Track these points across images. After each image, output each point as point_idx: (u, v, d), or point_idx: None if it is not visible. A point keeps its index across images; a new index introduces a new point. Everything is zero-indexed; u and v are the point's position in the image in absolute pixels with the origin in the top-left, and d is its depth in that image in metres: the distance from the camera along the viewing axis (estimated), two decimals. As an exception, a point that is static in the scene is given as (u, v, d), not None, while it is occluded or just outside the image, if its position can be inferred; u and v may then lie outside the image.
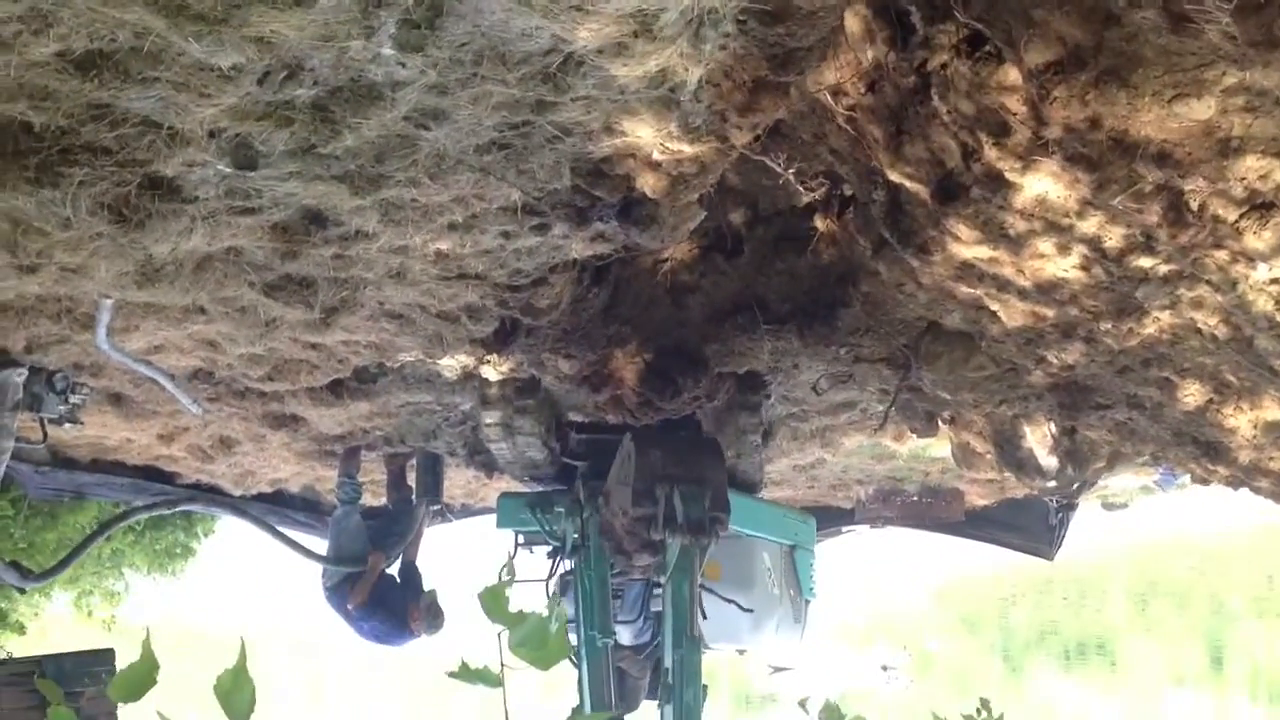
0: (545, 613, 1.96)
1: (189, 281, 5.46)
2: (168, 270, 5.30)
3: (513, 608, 1.95)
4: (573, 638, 7.75)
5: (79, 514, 13.18)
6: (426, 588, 10.11)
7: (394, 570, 10.18)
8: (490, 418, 8.22)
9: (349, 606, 9.77)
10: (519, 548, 9.24)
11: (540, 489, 9.04)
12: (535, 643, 1.94)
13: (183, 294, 5.64)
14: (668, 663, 6.61)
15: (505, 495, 9.23)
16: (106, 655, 9.63)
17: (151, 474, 10.75)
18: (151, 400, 8.07)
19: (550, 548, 8.99)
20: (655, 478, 6.53)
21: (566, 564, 8.90)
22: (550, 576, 8.94)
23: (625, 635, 8.62)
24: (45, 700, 8.58)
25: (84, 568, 15.08)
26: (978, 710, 3.56)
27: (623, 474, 6.80)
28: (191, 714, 2.60)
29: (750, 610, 8.51)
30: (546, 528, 8.59)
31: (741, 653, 11.02)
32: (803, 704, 3.65)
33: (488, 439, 8.54)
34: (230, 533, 16.94)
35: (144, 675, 1.86)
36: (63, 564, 10.23)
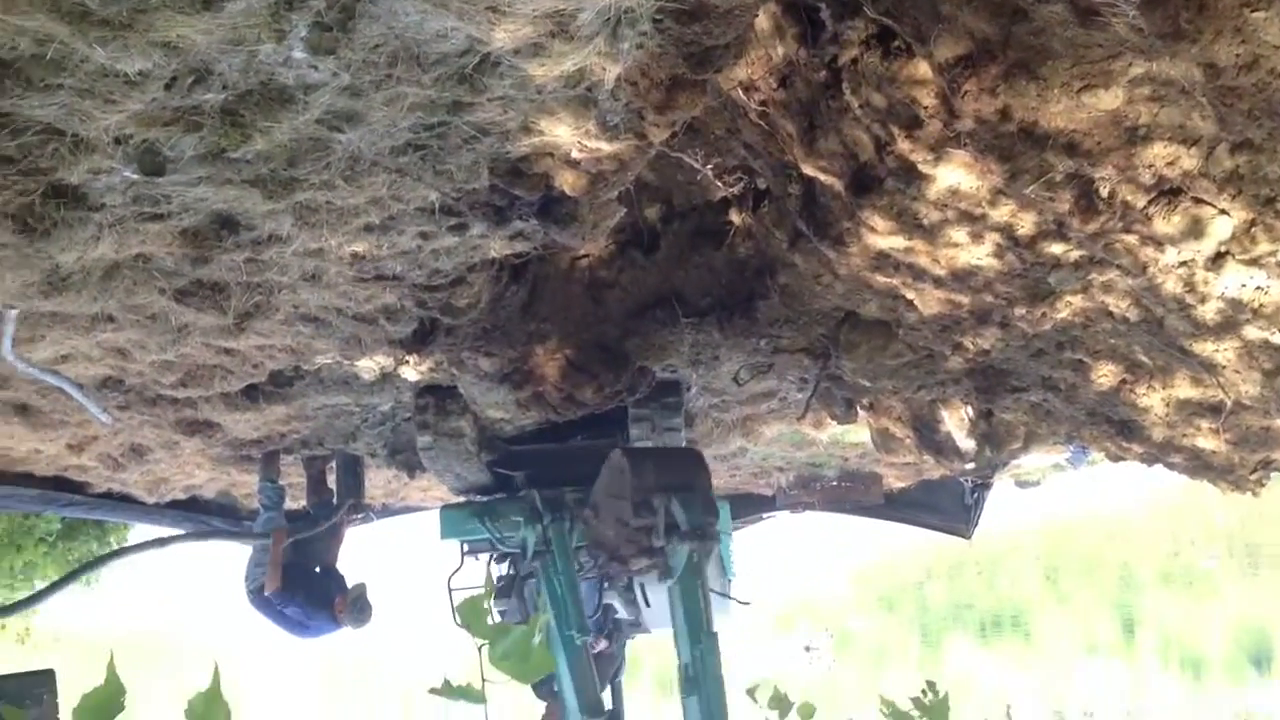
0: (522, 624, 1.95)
1: (97, 290, 5.33)
2: (75, 279, 5.17)
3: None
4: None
5: (-14, 527, 12.86)
6: (356, 583, 10.03)
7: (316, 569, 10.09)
8: (423, 440, 8.39)
9: (266, 594, 9.67)
10: (464, 556, 9.27)
11: (479, 499, 9.07)
12: (518, 655, 1.93)
13: (90, 302, 5.50)
14: (686, 659, 6.78)
15: (447, 507, 9.25)
16: (46, 676, 9.40)
17: (61, 484, 10.49)
18: (59, 410, 7.87)
19: (495, 554, 9.06)
20: (652, 489, 6.71)
21: (502, 568, 9.03)
22: (507, 581, 9.03)
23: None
24: None
25: (-5, 581, 14.74)
26: (923, 692, 3.62)
27: (614, 487, 6.94)
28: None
29: (747, 603, 8.75)
30: (497, 535, 8.63)
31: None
32: (750, 693, 3.67)
33: (424, 458, 8.69)
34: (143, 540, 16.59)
35: (110, 699, 1.80)
36: (31, 600, 10.04)
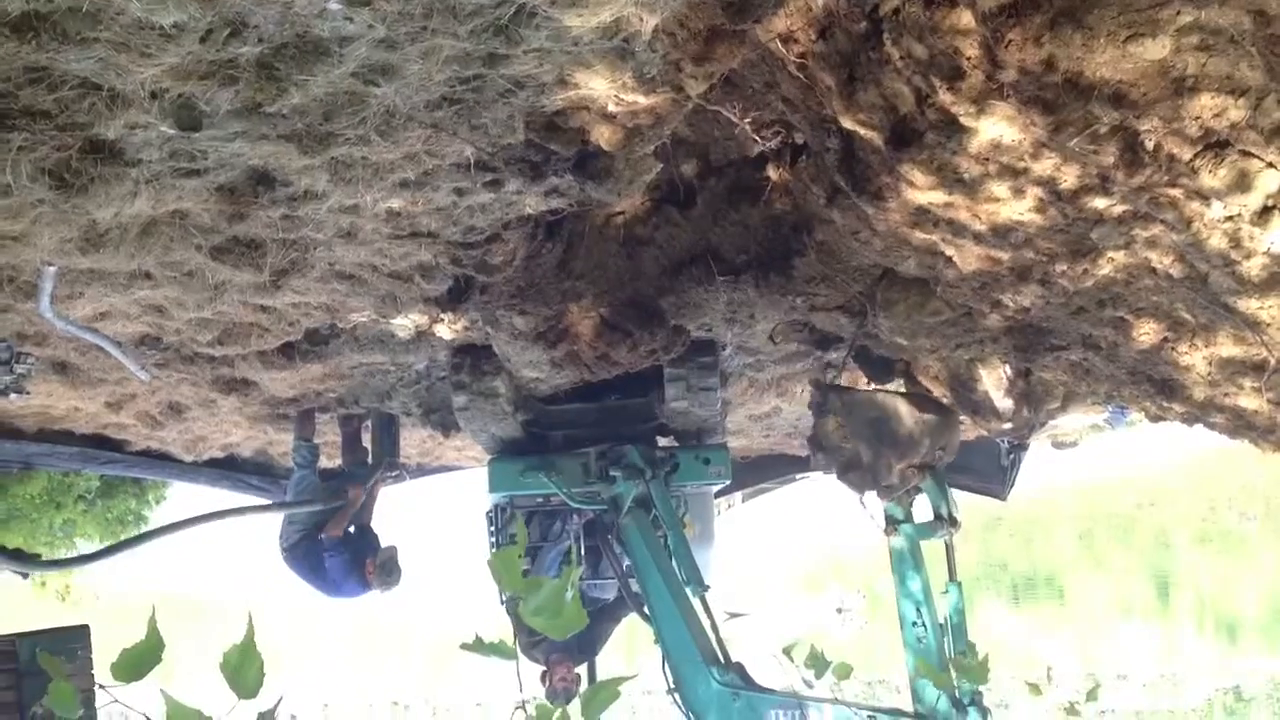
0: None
1: (134, 246, 5.35)
2: (112, 235, 5.19)
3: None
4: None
5: (28, 484, 13.04)
6: (385, 544, 10.08)
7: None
8: (459, 401, 8.40)
9: (322, 536, 9.75)
10: (510, 511, 9.27)
11: (539, 454, 9.00)
12: (551, 610, 1.92)
13: (128, 259, 5.53)
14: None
15: (497, 460, 9.16)
16: (81, 632, 9.59)
17: (100, 442, 10.61)
18: (98, 368, 7.93)
19: (538, 510, 9.06)
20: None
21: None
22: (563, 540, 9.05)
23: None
24: (20, 679, 8.54)
25: (36, 539, 14.92)
26: (963, 653, 3.62)
27: (883, 433, 7.13)
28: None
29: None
30: (565, 490, 8.56)
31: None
32: (787, 652, 3.68)
33: (459, 418, 8.70)
34: (182, 499, 16.78)
35: (149, 654, 1.82)
36: (92, 557, 10.20)
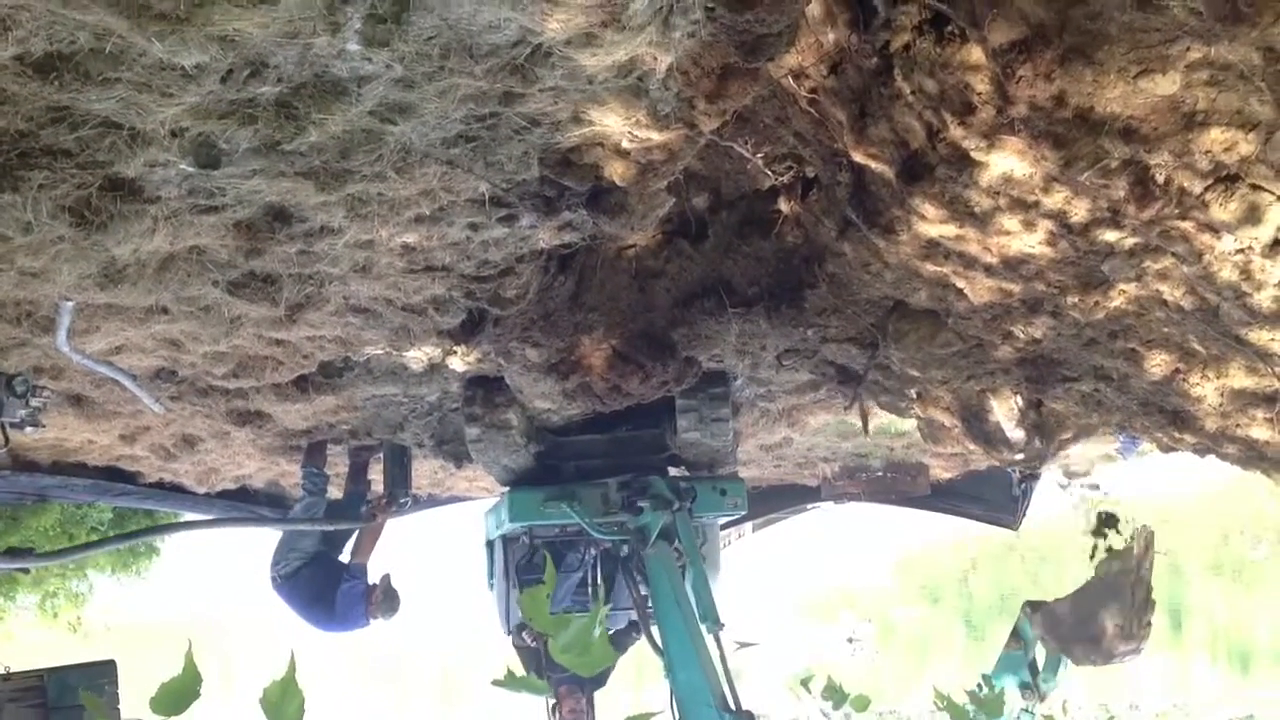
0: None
1: (152, 282, 5.40)
2: (130, 271, 5.23)
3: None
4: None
5: (41, 516, 13.06)
6: (382, 574, 10.02)
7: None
8: (472, 433, 8.42)
9: (351, 562, 9.79)
10: (525, 541, 9.27)
11: (552, 485, 8.98)
12: (579, 648, 1.93)
13: (145, 295, 5.57)
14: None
15: (516, 491, 9.08)
16: (108, 667, 9.65)
17: (113, 474, 10.62)
18: (113, 401, 7.97)
19: (554, 541, 9.05)
20: None
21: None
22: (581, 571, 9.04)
23: None
24: (49, 714, 8.60)
25: (48, 570, 14.94)
26: (979, 686, 3.63)
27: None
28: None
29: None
30: (587, 520, 8.52)
31: None
32: (805, 683, 3.69)
33: (472, 450, 8.71)
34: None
35: (187, 688, 1.83)
36: (75, 550, 10.28)
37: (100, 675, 9.46)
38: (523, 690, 2.01)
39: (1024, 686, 8.34)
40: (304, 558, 9.82)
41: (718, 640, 7.52)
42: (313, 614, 9.92)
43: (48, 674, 9.31)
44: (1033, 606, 7.90)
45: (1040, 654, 8.38)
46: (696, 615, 7.53)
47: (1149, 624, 7.29)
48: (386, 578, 9.90)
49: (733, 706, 7.04)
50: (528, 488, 9.00)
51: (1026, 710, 8.31)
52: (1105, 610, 7.00)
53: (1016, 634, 8.54)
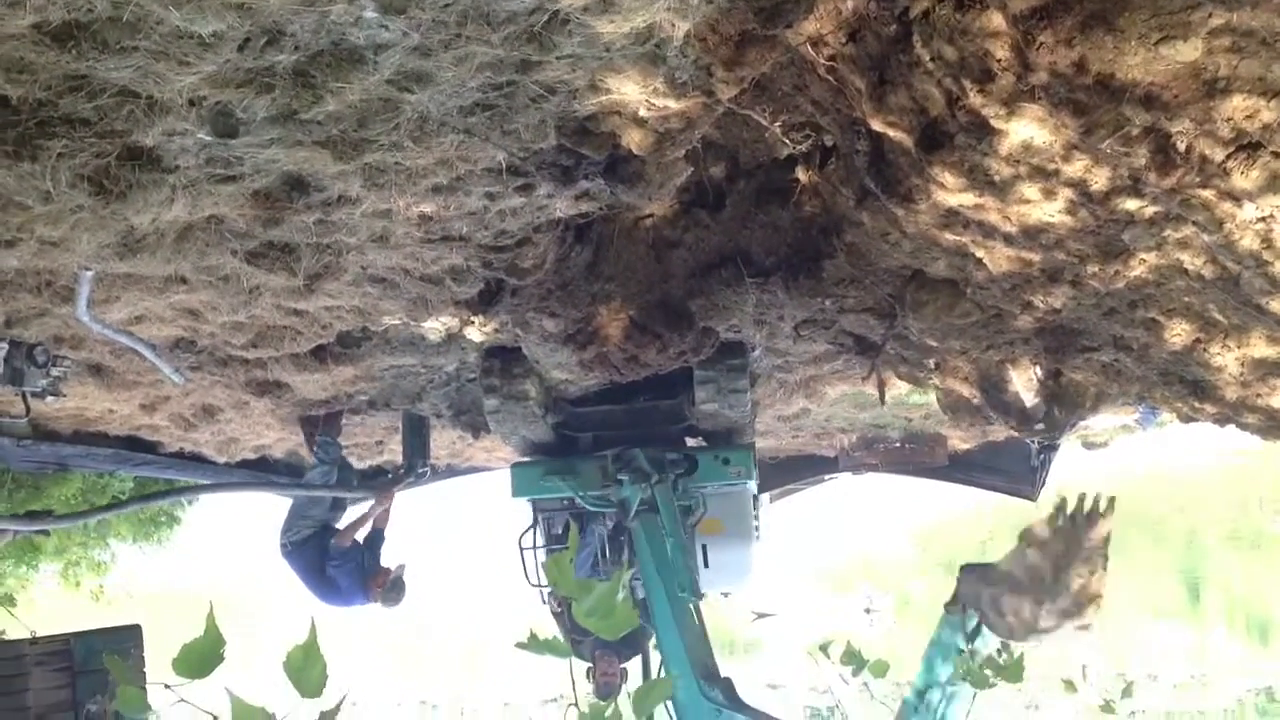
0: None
1: (170, 251, 5.42)
2: (149, 241, 5.25)
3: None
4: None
5: (63, 486, 13.14)
6: (398, 563, 10.09)
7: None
8: (490, 404, 8.48)
9: (342, 542, 9.86)
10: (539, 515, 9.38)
11: (552, 458, 9.11)
12: (603, 611, 1.96)
13: (164, 264, 5.59)
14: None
15: (519, 465, 9.27)
16: (133, 631, 9.80)
17: (134, 444, 10.71)
18: (133, 370, 8.02)
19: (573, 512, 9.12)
20: None
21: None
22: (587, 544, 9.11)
23: None
24: (75, 677, 8.74)
25: (70, 538, 15.06)
26: (998, 651, 3.63)
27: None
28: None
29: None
30: (580, 494, 8.67)
31: (726, 595, 11.22)
32: (824, 649, 3.70)
33: (490, 421, 8.77)
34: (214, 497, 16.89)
35: (210, 650, 1.85)
36: (93, 513, 10.60)
37: (125, 639, 9.60)
38: (545, 653, 2.03)
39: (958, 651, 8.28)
40: (314, 526, 9.91)
41: (696, 610, 7.68)
42: (317, 584, 10.02)
43: (74, 638, 9.45)
44: (967, 569, 7.75)
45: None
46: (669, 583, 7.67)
47: (1094, 599, 7.14)
48: (401, 568, 9.96)
49: (713, 674, 7.25)
50: (528, 462, 9.13)
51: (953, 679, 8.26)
52: (1019, 592, 6.88)
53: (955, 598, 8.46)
